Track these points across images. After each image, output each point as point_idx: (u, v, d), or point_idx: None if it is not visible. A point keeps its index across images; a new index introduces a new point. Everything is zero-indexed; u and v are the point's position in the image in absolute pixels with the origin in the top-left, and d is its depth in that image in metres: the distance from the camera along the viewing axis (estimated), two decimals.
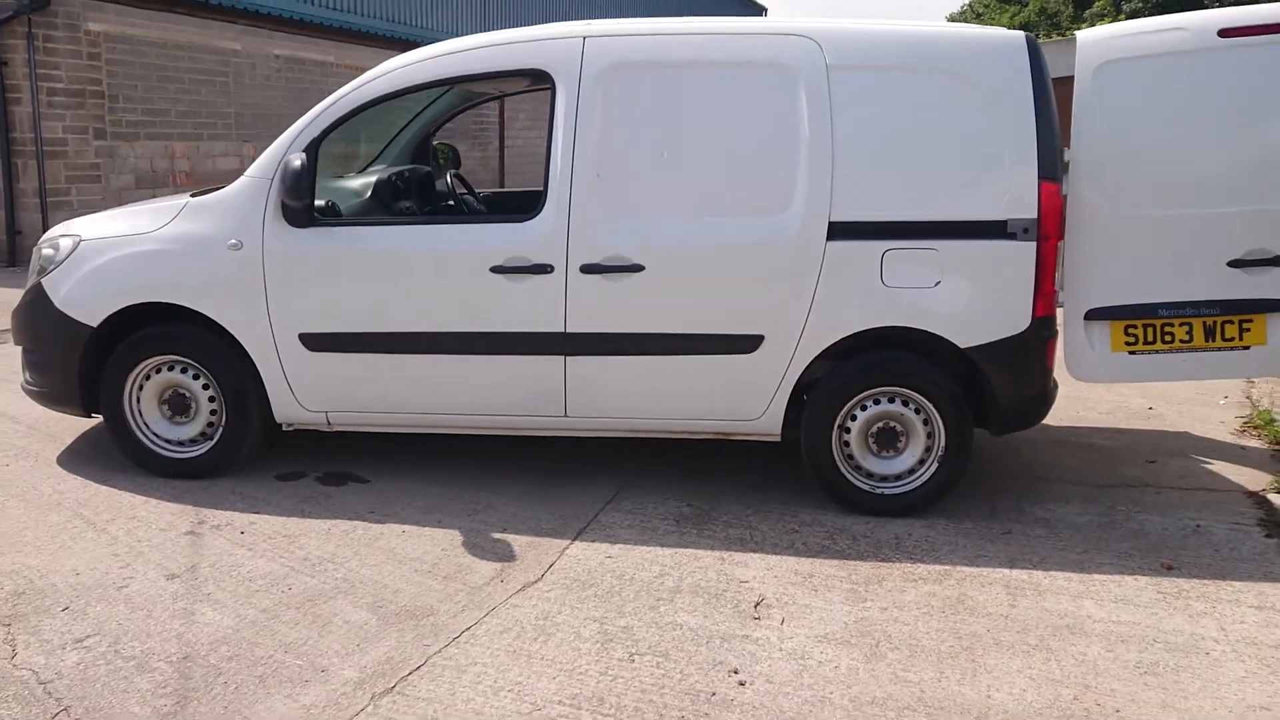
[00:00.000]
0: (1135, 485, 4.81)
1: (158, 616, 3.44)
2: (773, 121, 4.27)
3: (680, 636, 3.34)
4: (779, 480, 4.78)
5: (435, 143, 6.29)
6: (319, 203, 4.64)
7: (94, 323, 4.63)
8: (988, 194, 4.19)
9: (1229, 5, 4.91)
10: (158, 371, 4.70)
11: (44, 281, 4.77)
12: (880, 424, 4.37)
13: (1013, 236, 4.16)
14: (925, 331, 4.25)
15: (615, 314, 4.35)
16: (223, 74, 14.18)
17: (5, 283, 10.52)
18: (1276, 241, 4.37)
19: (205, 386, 4.68)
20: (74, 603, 3.53)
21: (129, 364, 4.67)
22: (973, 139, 4.20)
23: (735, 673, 3.13)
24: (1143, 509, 4.49)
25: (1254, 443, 5.49)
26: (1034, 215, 4.14)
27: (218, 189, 4.78)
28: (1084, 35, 4.53)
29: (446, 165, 6.36)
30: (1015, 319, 4.21)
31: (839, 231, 4.22)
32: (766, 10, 34.54)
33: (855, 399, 4.34)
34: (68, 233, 4.88)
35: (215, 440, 4.72)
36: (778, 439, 4.49)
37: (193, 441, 4.74)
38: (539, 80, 4.59)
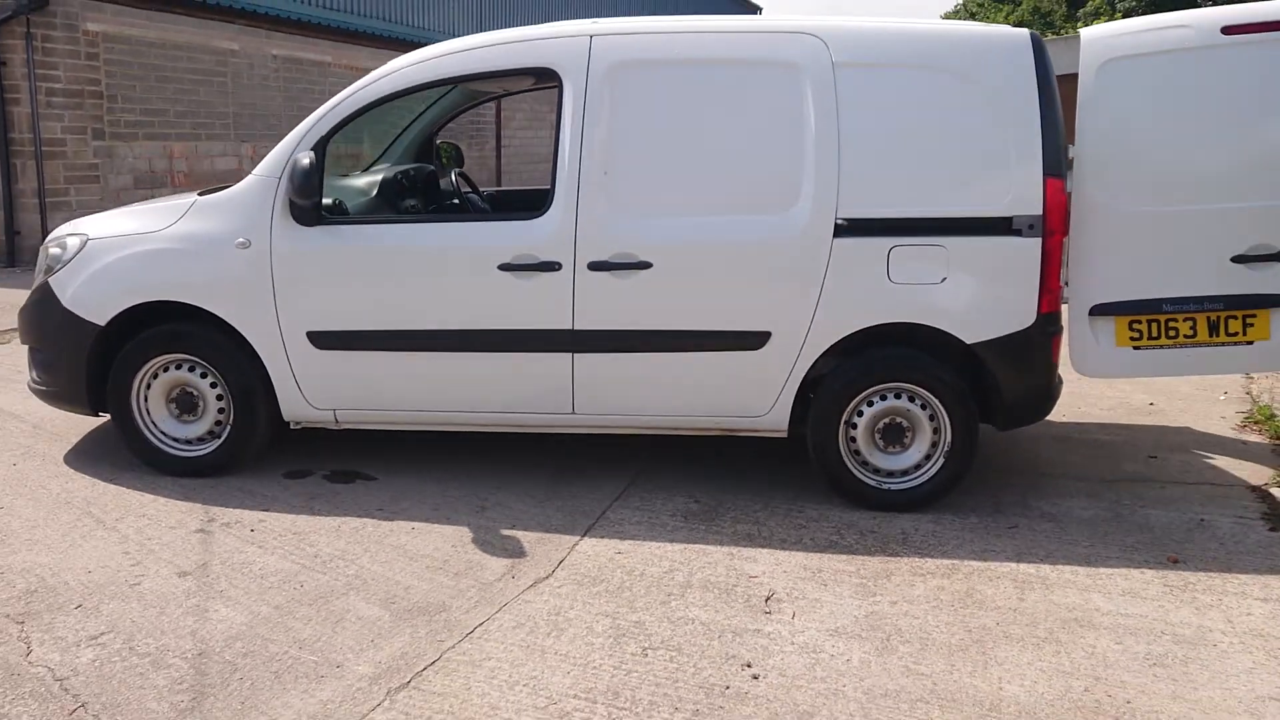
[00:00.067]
0: (1139, 480, 4.83)
1: (171, 613, 3.45)
2: (780, 119, 4.29)
3: (692, 631, 3.36)
4: (786, 476, 4.80)
5: (438, 141, 6.30)
6: (326, 201, 4.65)
7: (101, 321, 4.64)
8: (993, 190, 4.21)
9: (1226, 3, 4.93)
10: (165, 370, 4.71)
11: (51, 280, 4.77)
12: (886, 420, 4.39)
13: (1018, 233, 4.19)
14: (931, 328, 4.28)
15: (623, 311, 4.37)
16: (221, 74, 14.17)
17: (4, 283, 10.53)
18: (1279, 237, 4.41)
19: (213, 385, 4.69)
20: (87, 600, 3.54)
21: (136, 363, 4.68)
22: (978, 136, 4.22)
23: (748, 666, 3.15)
24: (1147, 503, 4.52)
25: (1255, 438, 5.52)
26: (1039, 211, 4.17)
27: (225, 188, 4.79)
28: (1088, 33, 4.56)
29: (450, 164, 6.37)
30: (1021, 315, 4.23)
31: (846, 228, 4.24)
32: (761, 9, 34.58)
33: (862, 395, 4.37)
34: (75, 232, 4.88)
35: (223, 438, 4.73)
36: (784, 435, 4.51)
37: (200, 440, 4.76)
38: (545, 79, 4.60)
